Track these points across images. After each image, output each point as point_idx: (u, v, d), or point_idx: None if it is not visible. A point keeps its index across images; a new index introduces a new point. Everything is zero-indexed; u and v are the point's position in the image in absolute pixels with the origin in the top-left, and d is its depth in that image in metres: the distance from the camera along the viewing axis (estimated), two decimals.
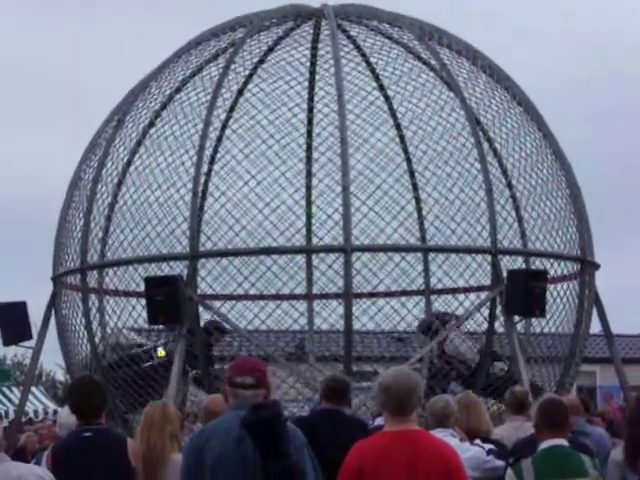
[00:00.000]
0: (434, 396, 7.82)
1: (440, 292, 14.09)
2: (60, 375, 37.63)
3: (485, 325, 12.42)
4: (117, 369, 12.34)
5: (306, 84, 13.65)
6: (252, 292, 13.07)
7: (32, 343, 13.12)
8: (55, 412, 21.04)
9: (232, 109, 13.44)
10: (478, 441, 7.22)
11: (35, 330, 13.04)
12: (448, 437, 6.58)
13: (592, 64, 56.26)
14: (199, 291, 12.30)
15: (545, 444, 6.01)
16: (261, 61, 13.42)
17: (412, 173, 13.96)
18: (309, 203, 14.41)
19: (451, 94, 12.65)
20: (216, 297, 13.39)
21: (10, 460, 5.27)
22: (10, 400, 22.73)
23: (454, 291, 13.58)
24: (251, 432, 4.93)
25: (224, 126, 13.46)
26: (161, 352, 12.65)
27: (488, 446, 7.15)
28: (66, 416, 7.19)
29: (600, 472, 6.20)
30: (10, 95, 63.51)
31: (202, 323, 12.46)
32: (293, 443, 5.04)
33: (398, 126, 13.83)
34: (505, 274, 11.82)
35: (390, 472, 5.16)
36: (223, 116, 13.36)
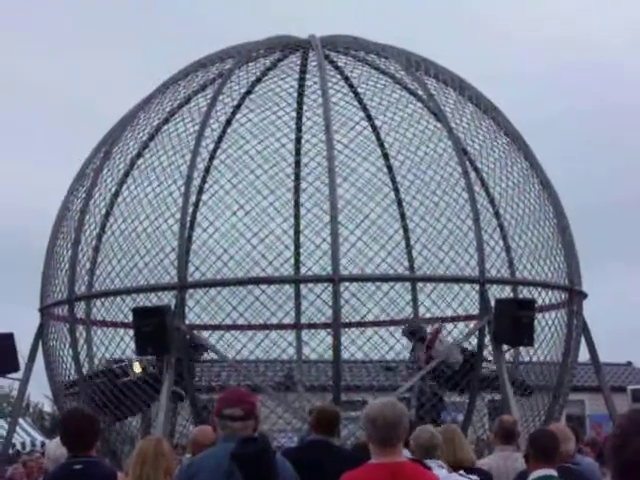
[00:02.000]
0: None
1: (428, 321, 14.09)
2: (47, 406, 37.40)
3: None
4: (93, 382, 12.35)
5: (294, 114, 13.69)
6: (240, 322, 13.05)
7: (19, 375, 13.05)
8: (42, 444, 20.90)
9: (220, 140, 13.49)
10: (462, 472, 7.21)
11: (22, 361, 12.99)
12: (437, 469, 6.57)
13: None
14: (187, 321, 12.29)
15: (535, 474, 6.01)
16: (249, 92, 13.48)
17: (400, 202, 14.00)
18: (297, 233, 14.43)
19: (438, 124, 12.71)
20: (204, 327, 13.38)
21: None
22: None
23: (442, 320, 13.59)
24: (240, 466, 4.91)
25: (212, 156, 13.50)
26: (137, 367, 12.57)
27: (474, 477, 7.13)
28: (54, 449, 7.13)
29: None
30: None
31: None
32: (282, 476, 5.02)
33: (386, 156, 13.89)
34: (493, 303, 11.84)
35: None
36: (211, 147, 13.41)
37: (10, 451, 16.54)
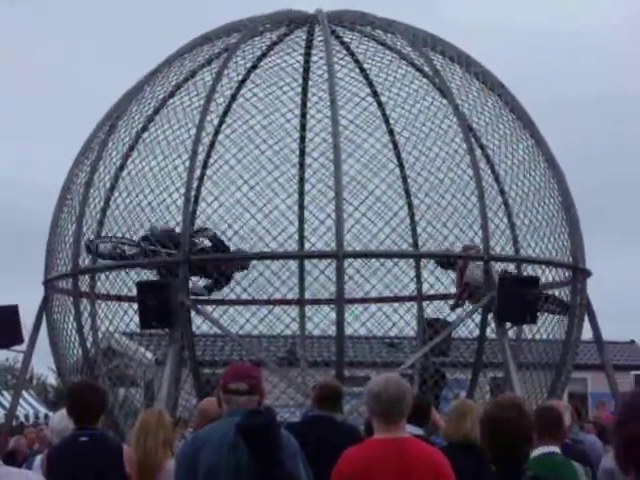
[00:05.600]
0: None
1: (432, 298, 14.11)
2: (51, 379, 37.57)
3: (477, 331, 12.45)
4: None
5: (299, 90, 13.66)
6: (244, 297, 13.07)
7: (23, 347, 13.10)
8: (46, 416, 21.00)
9: (225, 114, 13.45)
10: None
11: (26, 334, 13.02)
12: None
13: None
14: (191, 296, 12.30)
15: (537, 451, 6.01)
16: (254, 66, 13.44)
17: (405, 179, 13.97)
18: (302, 208, 14.42)
19: (444, 100, 12.67)
20: (208, 302, 13.38)
21: (3, 465, 5.24)
22: (1, 404, 22.68)
23: (446, 297, 13.61)
24: (246, 438, 4.92)
25: (217, 131, 13.48)
26: None
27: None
28: (57, 421, 7.16)
29: None
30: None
31: None
32: (287, 450, 5.04)
33: (391, 132, 13.86)
34: (497, 280, 11.84)
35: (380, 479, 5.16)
36: (216, 121, 13.37)
37: (14, 423, 16.61)
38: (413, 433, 6.08)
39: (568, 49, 65.04)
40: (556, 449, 6.04)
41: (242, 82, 13.43)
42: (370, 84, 13.65)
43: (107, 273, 12.67)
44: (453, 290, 13.32)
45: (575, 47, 64.72)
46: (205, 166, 13.49)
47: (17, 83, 63.18)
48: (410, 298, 14.27)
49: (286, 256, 13.25)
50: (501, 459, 4.49)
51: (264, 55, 13.45)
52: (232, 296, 13.01)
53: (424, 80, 13.04)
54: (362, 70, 13.59)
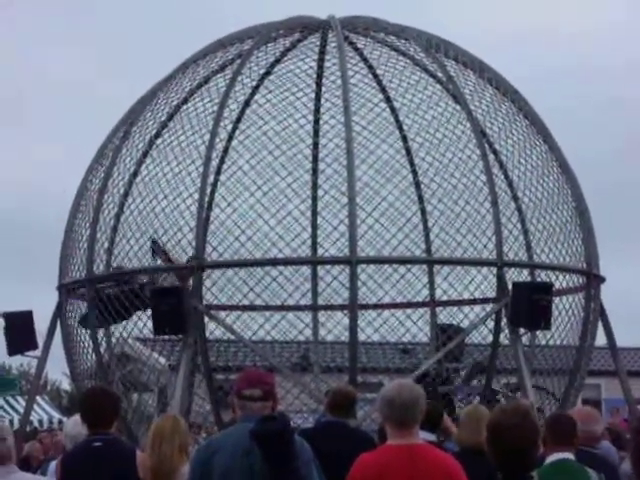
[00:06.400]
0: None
1: (445, 304, 14.09)
2: (65, 384, 37.66)
3: (490, 337, 12.43)
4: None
5: (313, 95, 13.68)
6: (257, 303, 13.08)
7: (37, 353, 13.12)
8: (60, 422, 21.04)
9: (239, 120, 13.48)
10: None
11: (41, 340, 13.05)
12: None
13: None
14: (204, 301, 12.30)
15: (551, 458, 6.00)
16: (268, 72, 13.46)
17: (418, 185, 13.98)
18: (315, 214, 14.43)
19: (457, 106, 12.67)
20: (221, 308, 13.41)
21: (19, 471, 5.27)
22: (15, 409, 22.72)
23: (459, 303, 13.59)
24: (260, 444, 4.93)
25: (231, 137, 13.50)
26: None
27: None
28: (71, 427, 7.18)
29: None
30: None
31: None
32: (301, 456, 5.04)
33: (404, 138, 13.86)
34: (510, 286, 11.81)
35: None
36: (230, 127, 13.40)
37: (27, 428, 16.65)
38: (426, 439, 6.07)
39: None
40: (570, 455, 6.02)
41: (256, 88, 13.45)
42: (383, 90, 13.66)
43: None
44: (467, 296, 13.29)
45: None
46: (218, 172, 13.52)
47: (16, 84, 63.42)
48: (423, 304, 14.25)
49: (299, 262, 13.26)
50: (507, 466, 4.49)
51: (277, 61, 13.47)
52: (245, 302, 13.03)
53: (437, 86, 13.03)
54: (375, 76, 13.59)
